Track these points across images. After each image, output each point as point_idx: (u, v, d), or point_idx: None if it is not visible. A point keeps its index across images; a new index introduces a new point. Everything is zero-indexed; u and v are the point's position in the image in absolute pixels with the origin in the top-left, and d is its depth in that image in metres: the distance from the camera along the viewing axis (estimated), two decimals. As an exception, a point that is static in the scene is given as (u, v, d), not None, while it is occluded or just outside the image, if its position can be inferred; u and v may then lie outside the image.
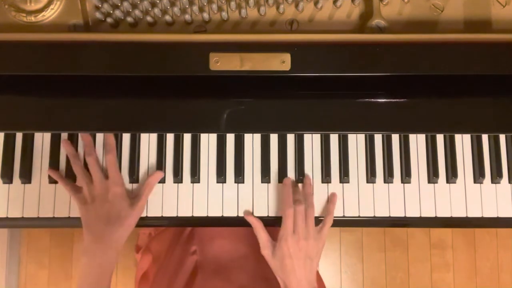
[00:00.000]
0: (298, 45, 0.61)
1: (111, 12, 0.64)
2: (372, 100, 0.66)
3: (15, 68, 0.61)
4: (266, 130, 0.70)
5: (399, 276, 1.61)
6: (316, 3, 0.65)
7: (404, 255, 1.62)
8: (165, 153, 0.73)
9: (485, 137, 0.75)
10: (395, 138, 0.75)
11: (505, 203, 0.74)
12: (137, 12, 0.64)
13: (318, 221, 0.70)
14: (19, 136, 0.73)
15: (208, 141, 0.74)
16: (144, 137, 0.74)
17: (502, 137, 0.75)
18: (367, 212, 0.73)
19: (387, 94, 0.66)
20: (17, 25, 0.64)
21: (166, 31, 0.66)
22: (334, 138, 0.75)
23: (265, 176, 0.73)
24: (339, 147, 0.74)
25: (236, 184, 0.73)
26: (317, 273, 0.80)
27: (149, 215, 0.72)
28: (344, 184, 0.74)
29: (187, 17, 0.64)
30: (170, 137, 0.74)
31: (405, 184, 0.74)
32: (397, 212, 0.73)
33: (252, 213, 0.72)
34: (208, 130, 0.70)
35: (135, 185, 0.73)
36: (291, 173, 0.74)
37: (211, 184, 0.73)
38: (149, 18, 0.65)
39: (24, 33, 0.62)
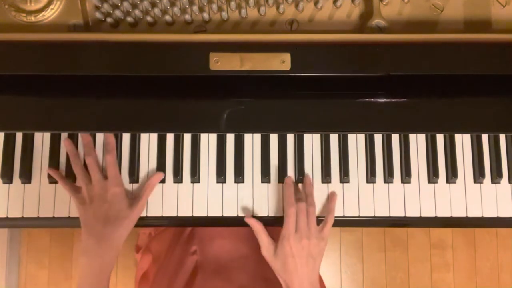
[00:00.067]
0: (298, 45, 0.61)
1: (111, 12, 0.64)
2: (372, 100, 0.66)
3: (15, 68, 0.61)
4: (266, 130, 0.70)
5: (399, 276, 1.61)
6: (316, 3, 0.65)
7: (404, 255, 1.62)
8: (165, 153, 0.73)
9: (485, 137, 0.75)
10: (395, 138, 0.75)
11: (505, 203, 0.74)
12: (137, 12, 0.64)
13: (318, 221, 0.70)
14: (19, 136, 0.73)
15: (208, 141, 0.74)
16: (144, 137, 0.74)
17: (502, 137, 0.75)
18: (367, 212, 0.73)
19: (387, 94, 0.66)
20: (17, 25, 0.64)
21: (166, 31, 0.66)
22: (334, 138, 0.75)
23: (265, 176, 0.73)
24: (339, 147, 0.74)
25: (236, 184, 0.73)
26: (317, 273, 0.80)
27: (149, 215, 0.72)
28: (344, 184, 0.74)
29: (187, 17, 0.64)
30: (170, 137, 0.74)
31: (405, 184, 0.74)
32: (397, 212, 0.73)
33: (252, 214, 0.72)
34: (208, 130, 0.70)
35: (135, 185, 0.73)
36: (291, 173, 0.74)
37: (211, 184, 0.73)
38: (149, 18, 0.65)
39: (24, 33, 0.62)
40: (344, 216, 0.73)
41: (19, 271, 1.56)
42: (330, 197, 0.72)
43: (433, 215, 0.73)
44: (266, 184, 0.73)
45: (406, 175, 0.73)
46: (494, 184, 0.74)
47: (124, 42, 0.61)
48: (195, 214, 0.72)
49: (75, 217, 0.69)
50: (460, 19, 0.66)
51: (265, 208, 0.73)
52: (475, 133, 0.74)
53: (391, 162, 0.74)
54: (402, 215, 0.73)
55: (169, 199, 0.72)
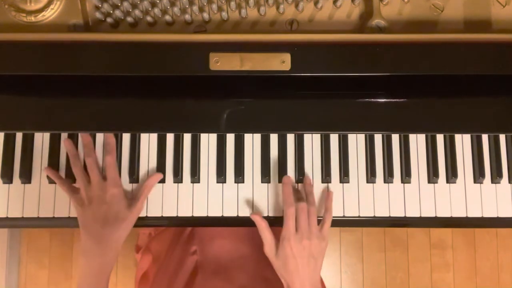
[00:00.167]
0: (298, 45, 0.61)
1: (111, 12, 0.64)
2: (372, 100, 0.66)
3: (15, 68, 0.61)
4: (266, 130, 0.70)
5: (399, 276, 1.61)
6: (316, 3, 0.65)
7: (404, 255, 1.62)
8: (165, 153, 0.73)
9: (485, 137, 0.75)
10: (395, 138, 0.75)
11: (505, 203, 0.74)
12: (137, 12, 0.64)
13: (318, 220, 0.70)
14: (19, 136, 0.73)
15: (208, 141, 0.74)
16: (144, 137, 0.74)
17: (502, 137, 0.75)
18: (367, 212, 0.73)
19: (387, 94, 0.66)
20: (17, 25, 0.64)
21: (166, 31, 0.66)
22: (334, 138, 0.75)
23: (265, 176, 0.73)
24: (339, 147, 0.74)
25: (236, 184, 0.73)
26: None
27: (149, 215, 0.72)
28: (344, 184, 0.74)
29: (187, 17, 0.64)
30: (170, 137, 0.74)
31: (405, 184, 0.74)
32: (397, 212, 0.73)
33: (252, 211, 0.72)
34: (208, 130, 0.70)
35: (135, 185, 0.73)
36: (291, 173, 0.74)
37: (211, 184, 0.73)
38: (149, 18, 0.65)
39: (24, 33, 0.62)
40: (344, 216, 0.73)
41: (19, 271, 1.56)
42: (326, 196, 0.71)
43: (433, 215, 0.73)
44: (266, 184, 0.73)
45: (406, 175, 0.73)
46: (494, 184, 0.74)
47: (124, 42, 0.61)
48: (195, 214, 0.72)
49: (75, 217, 0.69)
50: (460, 19, 0.66)
51: (265, 208, 0.73)
52: (475, 133, 0.74)
53: (391, 162, 0.74)
54: (402, 215, 0.73)
55: (169, 199, 0.72)
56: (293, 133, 0.74)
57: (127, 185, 0.72)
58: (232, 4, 0.64)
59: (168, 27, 0.66)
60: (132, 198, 0.70)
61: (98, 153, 0.72)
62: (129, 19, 0.65)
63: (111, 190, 0.67)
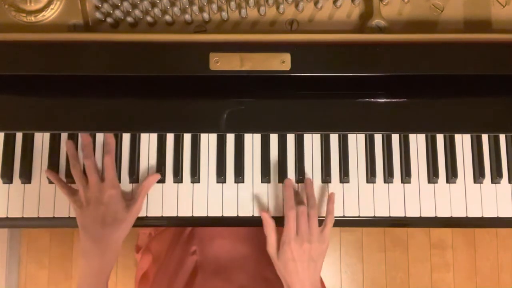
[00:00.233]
0: (298, 45, 0.61)
1: (111, 12, 0.64)
2: (372, 100, 0.66)
3: (15, 68, 0.61)
4: (266, 130, 0.70)
5: (399, 276, 1.61)
6: (316, 3, 0.65)
7: (404, 255, 1.62)
8: (165, 153, 0.73)
9: (485, 137, 0.75)
10: (395, 138, 0.75)
11: (505, 203, 0.74)
12: (137, 12, 0.64)
13: (319, 221, 0.70)
14: (19, 136, 0.73)
15: (208, 141, 0.74)
16: (144, 137, 0.74)
17: (502, 137, 0.75)
18: (367, 212, 0.73)
19: (387, 94, 0.66)
20: (17, 25, 0.64)
21: (166, 31, 0.66)
22: (334, 138, 0.75)
23: (265, 176, 0.73)
24: (339, 147, 0.74)
25: (236, 184, 0.73)
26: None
27: (149, 215, 0.72)
28: (344, 184, 0.74)
29: (187, 17, 0.64)
30: (170, 137, 0.74)
31: (405, 184, 0.74)
32: (397, 212, 0.73)
33: (252, 214, 0.72)
34: (208, 130, 0.70)
35: (135, 185, 0.73)
36: (291, 173, 0.74)
37: (211, 184, 0.73)
38: (149, 18, 0.65)
39: (24, 33, 0.62)
40: (344, 216, 0.73)
41: (19, 271, 1.56)
42: (329, 198, 0.71)
43: (433, 215, 0.73)
44: (266, 184, 0.73)
45: (406, 175, 0.73)
46: (494, 184, 0.74)
47: (124, 42, 0.61)
48: (195, 214, 0.72)
49: (75, 217, 0.69)
50: (460, 19, 0.66)
51: (265, 208, 0.73)
52: (475, 133, 0.74)
53: (391, 162, 0.74)
54: (402, 215, 0.73)
55: (169, 199, 0.72)
56: (293, 133, 0.74)
57: (127, 185, 0.72)
58: (232, 4, 0.64)
59: (168, 27, 0.66)
60: (130, 199, 0.70)
61: (98, 153, 0.72)
62: (129, 19, 0.65)
63: (109, 191, 0.67)
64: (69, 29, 0.65)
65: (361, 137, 0.75)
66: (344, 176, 0.73)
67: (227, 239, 0.84)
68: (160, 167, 0.73)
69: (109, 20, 0.64)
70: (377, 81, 0.66)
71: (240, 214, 0.72)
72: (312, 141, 0.74)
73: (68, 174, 0.72)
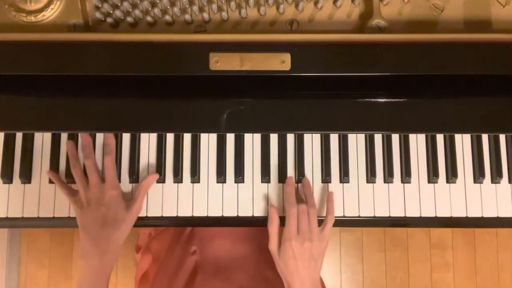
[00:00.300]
0: (298, 45, 0.61)
1: (111, 12, 0.64)
2: (372, 100, 0.66)
3: (15, 68, 0.61)
4: (266, 130, 0.70)
5: (399, 276, 1.61)
6: (316, 3, 0.65)
7: (404, 255, 1.62)
8: (165, 153, 0.73)
9: (485, 137, 0.75)
10: (395, 138, 0.75)
11: (505, 203, 0.74)
12: (137, 12, 0.64)
13: (319, 221, 0.70)
14: (19, 136, 0.73)
15: (208, 141, 0.74)
16: (144, 137, 0.74)
17: (502, 137, 0.75)
18: (367, 212, 0.73)
19: (387, 94, 0.66)
20: (17, 25, 0.64)
21: (166, 31, 0.66)
22: (334, 138, 0.75)
23: (265, 176, 0.73)
24: (339, 147, 0.74)
25: (236, 184, 0.73)
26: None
27: (149, 215, 0.72)
28: (344, 184, 0.74)
29: (187, 17, 0.64)
30: (170, 137, 0.74)
31: (405, 184, 0.74)
32: (397, 212, 0.73)
33: (252, 214, 0.72)
34: (208, 130, 0.70)
35: (135, 185, 0.73)
36: (291, 173, 0.74)
37: (211, 184, 0.73)
38: (149, 18, 0.65)
39: (24, 33, 0.62)
40: (344, 216, 0.73)
41: (19, 271, 1.56)
42: (328, 198, 0.72)
43: (433, 215, 0.73)
44: (266, 184, 0.73)
45: (406, 175, 0.73)
46: (494, 184, 0.74)
47: (124, 42, 0.61)
48: (195, 214, 0.72)
49: (75, 217, 0.69)
50: (460, 19, 0.66)
51: (265, 208, 0.73)
52: (475, 133, 0.74)
53: (391, 162, 0.74)
54: (402, 215, 0.73)
55: (169, 199, 0.72)
56: (293, 133, 0.74)
57: (127, 185, 0.72)
58: (232, 4, 0.64)
59: (168, 27, 0.66)
60: (130, 199, 0.70)
61: (98, 153, 0.72)
62: (129, 19, 0.65)
63: (109, 192, 0.67)
64: (69, 29, 0.65)
65: (361, 137, 0.75)
66: (344, 176, 0.73)
67: (227, 239, 0.84)
68: (160, 167, 0.73)
69: (109, 20, 0.64)
70: (377, 81, 0.66)
71: (240, 214, 0.72)
72: (312, 141, 0.74)
73: (68, 174, 0.72)
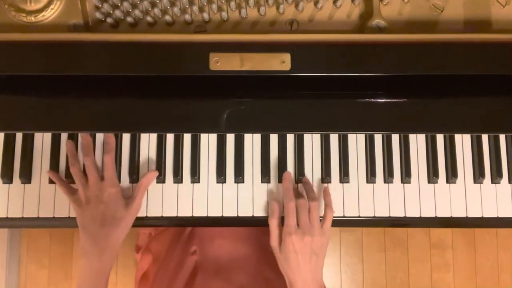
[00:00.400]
0: (298, 45, 0.61)
1: (111, 12, 0.64)
2: (372, 100, 0.66)
3: (15, 68, 0.61)
4: (266, 130, 0.70)
5: (399, 276, 1.61)
6: (316, 3, 0.65)
7: (404, 255, 1.62)
8: (165, 153, 0.73)
9: (485, 137, 0.75)
10: (395, 138, 0.75)
11: (505, 203, 0.74)
12: (137, 12, 0.64)
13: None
14: (19, 136, 0.73)
15: (208, 141, 0.74)
16: (144, 137, 0.74)
17: (502, 137, 0.75)
18: (367, 212, 0.73)
19: (387, 94, 0.66)
20: (17, 25, 0.64)
21: (166, 31, 0.66)
22: (334, 138, 0.75)
23: (265, 176, 0.73)
24: (339, 147, 0.74)
25: (236, 184, 0.73)
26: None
27: (149, 215, 0.72)
28: (344, 184, 0.74)
29: (187, 17, 0.64)
30: (170, 137, 0.74)
31: (405, 184, 0.74)
32: (397, 212, 0.73)
33: (252, 214, 0.72)
34: (208, 130, 0.70)
35: (135, 185, 0.73)
36: (292, 174, 0.73)
37: (211, 184, 0.73)
38: (149, 18, 0.65)
39: (24, 33, 0.62)
40: (344, 216, 0.73)
41: (19, 271, 1.56)
42: (324, 192, 0.71)
43: (433, 215, 0.73)
44: (266, 184, 0.73)
45: (406, 175, 0.73)
46: (494, 184, 0.74)
47: (124, 42, 0.61)
48: (195, 214, 0.72)
49: (75, 217, 0.69)
50: (460, 19, 0.66)
51: (265, 208, 0.73)
52: (475, 133, 0.74)
53: (391, 162, 0.74)
54: (402, 215, 0.73)
55: (169, 199, 0.72)
56: (293, 133, 0.74)
57: (127, 185, 0.72)
58: (232, 4, 0.64)
59: (168, 27, 0.66)
60: (129, 198, 0.70)
61: (97, 152, 0.72)
62: (129, 19, 0.65)
63: (108, 190, 0.67)
64: (69, 29, 0.65)
65: (361, 137, 0.75)
66: (344, 176, 0.73)
67: (227, 239, 0.84)
68: (160, 167, 0.73)
69: (109, 20, 0.64)
70: (377, 81, 0.66)
71: (240, 214, 0.72)
72: (312, 141, 0.74)
73: (68, 174, 0.72)
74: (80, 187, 0.68)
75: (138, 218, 0.70)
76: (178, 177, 0.72)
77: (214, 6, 0.64)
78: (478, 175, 0.74)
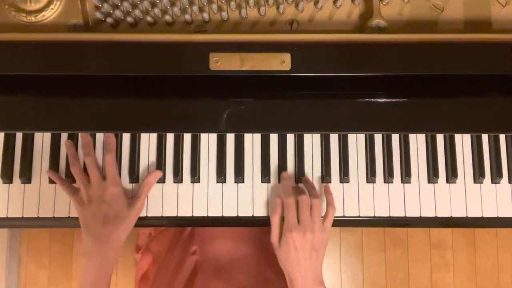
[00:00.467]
0: (298, 45, 0.61)
1: (111, 12, 0.64)
2: (372, 100, 0.66)
3: (15, 68, 0.61)
4: (266, 130, 0.70)
5: (399, 276, 1.61)
6: (316, 3, 0.65)
7: (404, 255, 1.62)
8: (165, 153, 0.73)
9: (485, 137, 0.75)
10: (395, 138, 0.75)
11: (505, 203, 0.74)
12: (137, 12, 0.64)
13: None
14: (19, 136, 0.73)
15: (208, 141, 0.74)
16: (144, 137, 0.74)
17: (502, 137, 0.75)
18: (367, 212, 0.73)
19: (387, 94, 0.66)
20: (17, 25, 0.64)
21: (166, 31, 0.66)
22: (334, 138, 0.75)
23: (265, 176, 0.73)
24: (339, 147, 0.74)
25: (236, 184, 0.73)
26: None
27: (149, 215, 0.72)
28: (344, 184, 0.74)
29: (187, 17, 0.64)
30: (170, 137, 0.74)
31: (405, 184, 0.74)
32: (397, 212, 0.73)
33: (252, 214, 0.72)
34: (208, 130, 0.70)
35: (135, 185, 0.73)
36: (291, 173, 0.73)
37: (211, 184, 0.73)
38: (149, 18, 0.65)
39: (24, 33, 0.62)
40: (344, 216, 0.73)
41: (19, 271, 1.56)
42: (325, 190, 0.71)
43: (433, 215, 0.73)
44: (266, 184, 0.73)
45: (406, 175, 0.73)
46: (494, 184, 0.74)
47: (124, 42, 0.61)
48: (195, 214, 0.72)
49: (75, 217, 0.69)
50: (460, 19, 0.66)
51: (265, 208, 0.73)
52: (475, 133, 0.74)
53: (391, 162, 0.74)
54: (402, 215, 0.73)
55: (169, 199, 0.72)
56: (293, 133, 0.74)
57: (127, 185, 0.72)
58: (232, 4, 0.64)
59: (168, 27, 0.66)
60: (132, 197, 0.70)
61: (98, 152, 0.72)
62: (129, 19, 0.65)
63: (111, 189, 0.67)
64: (69, 29, 0.65)
65: (361, 137, 0.75)
66: (344, 176, 0.73)
67: (228, 239, 0.84)
68: (160, 167, 0.73)
69: (109, 20, 0.64)
70: (377, 81, 0.66)
71: (240, 214, 0.72)
72: (312, 141, 0.74)
73: (68, 174, 0.72)
74: (82, 186, 0.68)
75: (138, 218, 0.70)
76: (178, 177, 0.72)
77: (214, 6, 0.65)
78: (478, 175, 0.74)
